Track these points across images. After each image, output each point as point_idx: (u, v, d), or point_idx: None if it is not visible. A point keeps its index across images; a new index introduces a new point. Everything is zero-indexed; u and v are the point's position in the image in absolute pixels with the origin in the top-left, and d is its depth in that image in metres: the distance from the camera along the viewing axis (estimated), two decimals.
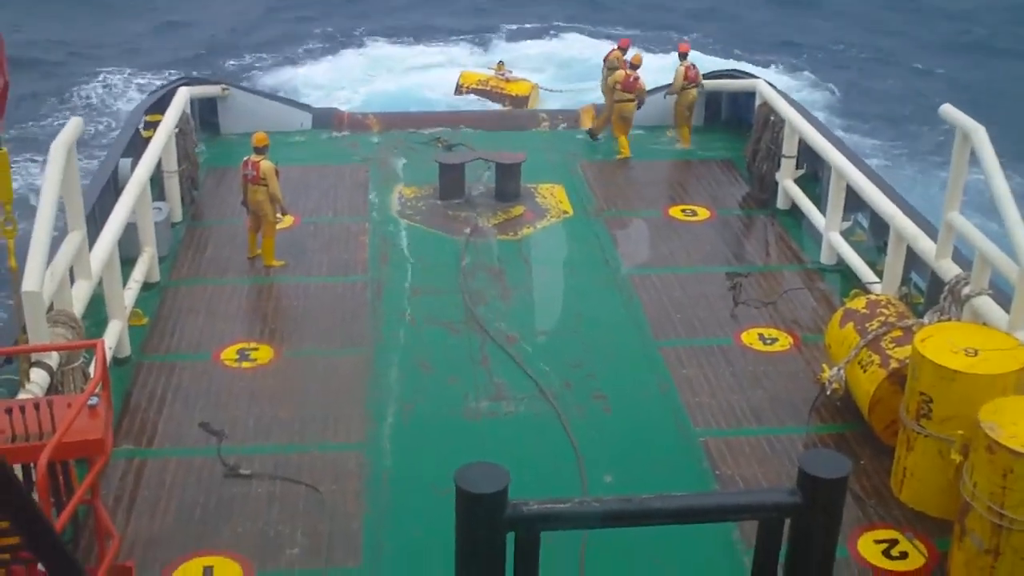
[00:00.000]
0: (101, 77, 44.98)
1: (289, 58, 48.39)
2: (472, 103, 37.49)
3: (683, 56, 23.92)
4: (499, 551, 5.68)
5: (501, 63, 40.46)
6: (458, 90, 39.35)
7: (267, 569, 11.52)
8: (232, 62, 47.74)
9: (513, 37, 51.00)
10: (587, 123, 24.81)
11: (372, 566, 11.63)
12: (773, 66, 45.49)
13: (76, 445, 9.42)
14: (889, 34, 51.64)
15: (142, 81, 43.46)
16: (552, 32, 51.11)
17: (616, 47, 24.69)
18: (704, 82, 23.93)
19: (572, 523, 6.01)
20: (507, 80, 38.75)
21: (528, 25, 52.13)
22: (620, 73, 23.10)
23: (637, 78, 22.99)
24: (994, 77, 45.74)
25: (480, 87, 38.88)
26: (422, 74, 44.85)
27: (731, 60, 42.81)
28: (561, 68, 45.21)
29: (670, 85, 23.94)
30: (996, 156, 13.75)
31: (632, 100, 22.88)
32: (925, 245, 15.45)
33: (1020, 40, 50.28)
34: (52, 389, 12.25)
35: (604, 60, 24.53)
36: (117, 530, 11.03)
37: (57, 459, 9.59)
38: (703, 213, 20.60)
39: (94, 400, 9.60)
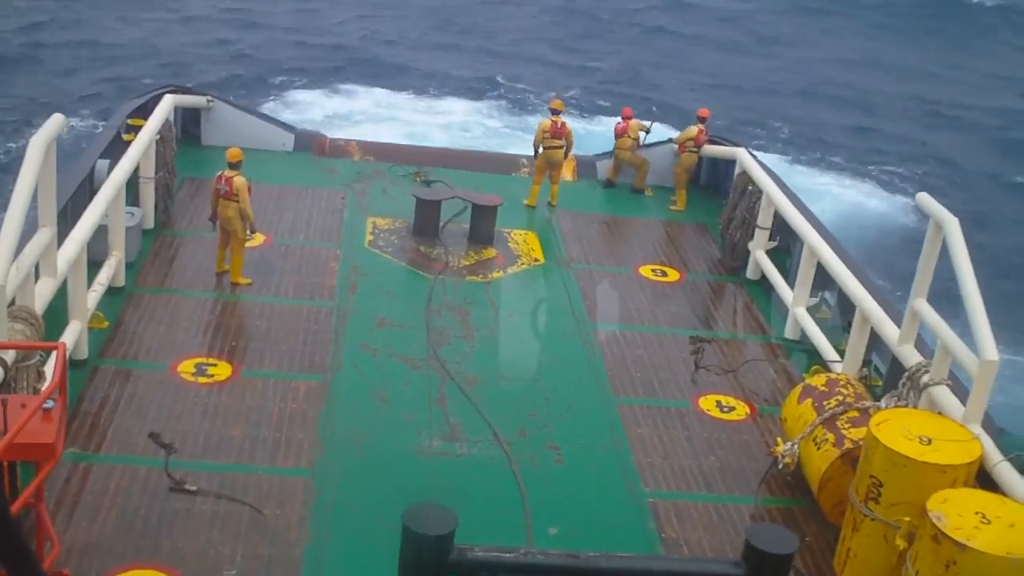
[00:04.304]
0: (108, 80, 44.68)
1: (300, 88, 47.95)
2: (456, 142, 37.29)
3: (700, 120, 23.99)
4: None
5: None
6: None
7: None
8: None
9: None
10: (567, 174, 24.90)
11: None
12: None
13: (27, 447, 9.30)
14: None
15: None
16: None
17: (623, 118, 24.56)
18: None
19: (516, 573, 5.99)
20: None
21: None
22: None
23: (564, 124, 22.96)
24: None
25: None
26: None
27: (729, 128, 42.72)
28: None
29: (675, 138, 24.17)
30: (967, 249, 13.90)
31: (560, 147, 22.93)
32: (889, 329, 15.57)
33: None
34: (4, 384, 12.12)
35: (617, 135, 24.45)
36: (55, 533, 10.90)
37: (5, 460, 9.48)
38: (673, 275, 20.70)
39: (50, 404, 9.50)
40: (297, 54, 51.71)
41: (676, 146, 24.09)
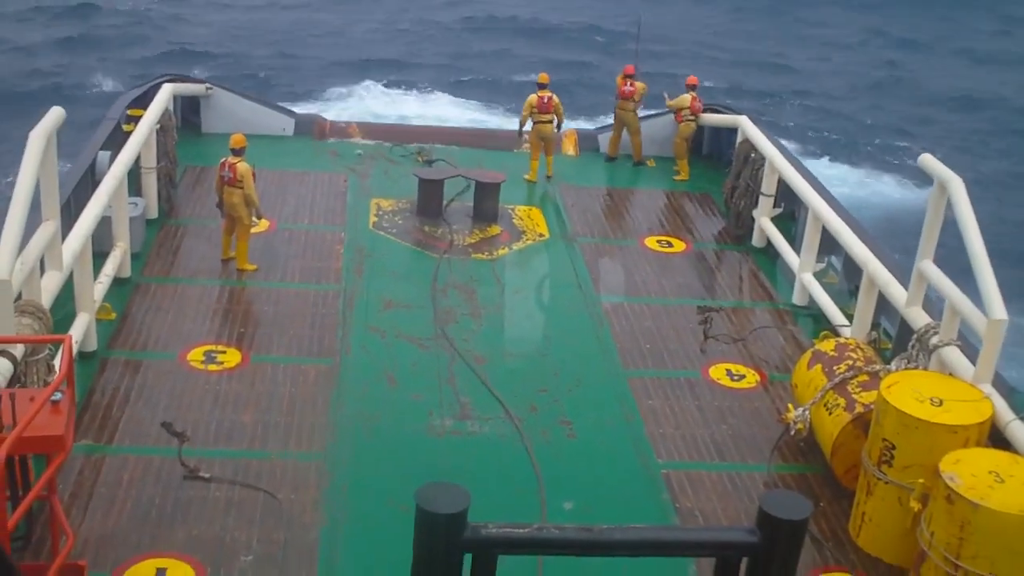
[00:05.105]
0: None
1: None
2: (456, 120, 37.25)
3: (691, 88, 23.82)
4: (455, 571, 5.67)
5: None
6: None
7: (220, 574, 11.43)
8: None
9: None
10: (568, 148, 24.86)
11: None
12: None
13: (37, 440, 9.34)
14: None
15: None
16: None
17: (623, 75, 24.15)
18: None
19: (530, 549, 6.00)
20: None
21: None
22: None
23: (551, 97, 22.87)
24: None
25: None
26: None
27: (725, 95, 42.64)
28: None
29: (672, 105, 23.98)
30: (971, 207, 13.85)
31: (549, 121, 22.88)
32: (896, 292, 15.53)
33: None
34: (14, 379, 12.14)
35: (623, 97, 24.22)
36: (71, 526, 10.93)
37: (16, 453, 9.51)
38: (679, 245, 20.66)
39: (58, 396, 9.52)
40: (289, 62, 51.76)
41: (674, 114, 23.96)
